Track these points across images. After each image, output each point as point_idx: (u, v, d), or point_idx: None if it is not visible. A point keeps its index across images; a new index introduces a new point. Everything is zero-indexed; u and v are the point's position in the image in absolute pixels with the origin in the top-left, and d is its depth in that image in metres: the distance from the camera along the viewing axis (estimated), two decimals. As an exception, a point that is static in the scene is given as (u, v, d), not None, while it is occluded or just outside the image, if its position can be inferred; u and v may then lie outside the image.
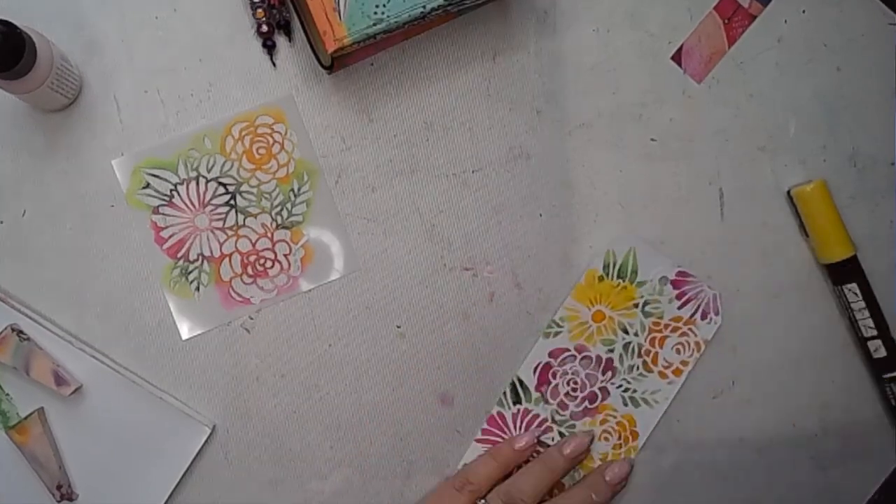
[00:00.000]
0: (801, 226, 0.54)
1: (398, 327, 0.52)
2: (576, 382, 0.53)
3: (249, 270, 0.51)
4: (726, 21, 0.53)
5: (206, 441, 0.51)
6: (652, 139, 0.53)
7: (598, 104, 0.53)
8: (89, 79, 0.50)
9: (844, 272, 0.53)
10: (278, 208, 0.51)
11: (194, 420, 0.50)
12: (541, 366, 0.53)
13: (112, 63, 0.51)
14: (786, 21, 0.54)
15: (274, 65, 0.51)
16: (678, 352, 0.53)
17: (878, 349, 0.53)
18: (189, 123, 0.51)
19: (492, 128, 0.53)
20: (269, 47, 0.51)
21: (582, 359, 0.52)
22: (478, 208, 0.53)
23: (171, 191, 0.51)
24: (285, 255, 0.52)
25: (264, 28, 0.50)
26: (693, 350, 0.53)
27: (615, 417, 0.53)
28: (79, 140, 0.51)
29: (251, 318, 0.51)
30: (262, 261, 0.51)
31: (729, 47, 0.54)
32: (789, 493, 0.54)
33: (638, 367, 0.53)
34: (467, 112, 0.52)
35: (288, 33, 0.51)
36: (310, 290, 0.52)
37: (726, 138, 0.54)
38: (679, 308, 0.53)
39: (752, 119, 0.54)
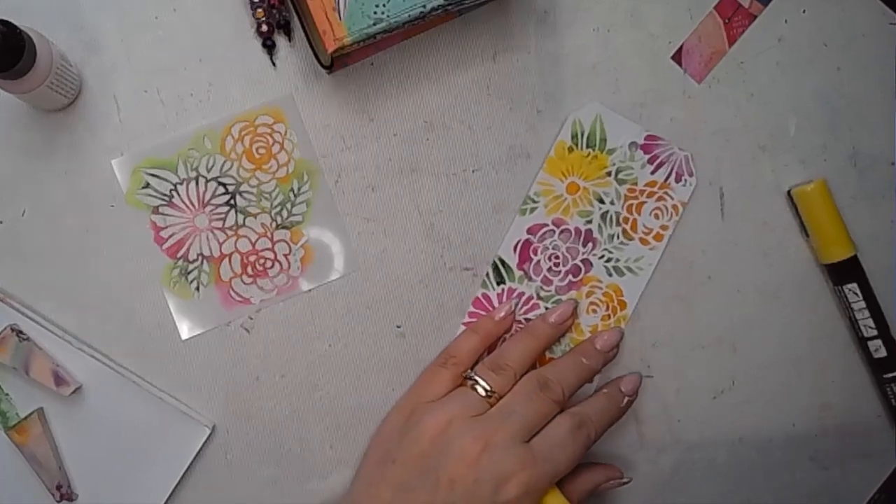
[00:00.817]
0: (802, 226, 0.54)
1: (398, 327, 0.52)
2: (557, 257, 0.52)
3: (249, 270, 0.51)
4: (726, 21, 0.53)
5: (206, 441, 0.51)
6: (652, 139, 0.53)
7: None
8: (89, 79, 0.50)
9: (844, 272, 0.53)
10: (278, 208, 0.51)
11: (194, 420, 0.50)
12: (521, 243, 0.52)
13: (112, 63, 0.51)
14: (786, 21, 0.54)
15: (274, 65, 0.51)
16: (657, 217, 0.53)
17: (879, 349, 0.53)
18: (189, 123, 0.51)
19: (492, 127, 0.53)
20: (269, 47, 0.51)
21: (561, 232, 0.52)
22: (478, 208, 0.53)
23: (170, 191, 0.51)
24: (285, 255, 0.51)
25: (264, 28, 0.50)
26: (671, 213, 0.53)
27: (601, 288, 0.53)
28: (78, 140, 0.50)
29: (251, 318, 0.51)
30: (261, 261, 0.51)
31: (729, 47, 0.54)
32: (789, 493, 0.54)
33: (618, 236, 0.53)
34: (467, 112, 0.52)
35: (288, 33, 0.51)
36: (310, 290, 0.52)
37: (726, 138, 0.53)
38: (652, 173, 0.53)
39: (752, 119, 0.54)
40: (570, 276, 0.53)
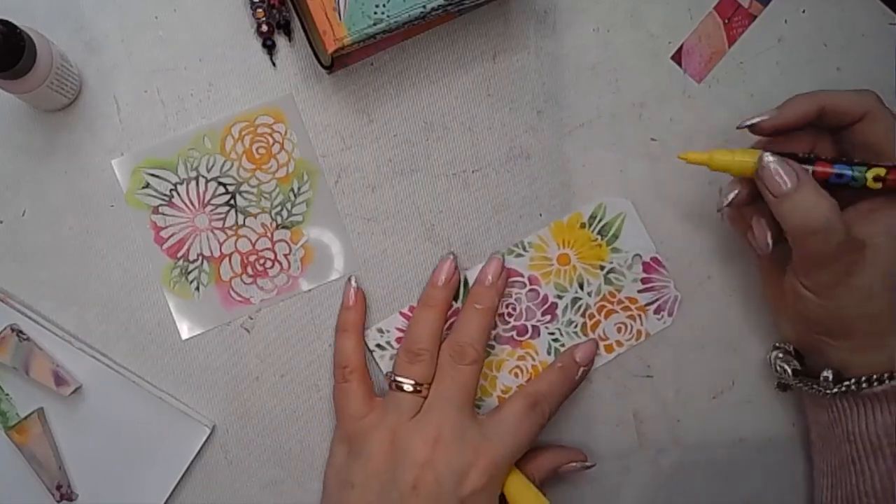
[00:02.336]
0: None
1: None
2: (514, 309, 0.52)
3: (249, 270, 0.51)
4: (726, 21, 0.53)
5: (205, 441, 0.51)
6: (652, 139, 0.53)
7: (598, 104, 0.53)
8: (89, 79, 0.50)
9: None
10: (278, 208, 0.51)
11: (194, 420, 0.50)
12: None
13: (112, 63, 0.51)
14: (786, 21, 0.54)
15: (274, 65, 0.51)
16: (619, 330, 0.53)
17: None
18: (189, 123, 0.51)
19: (492, 128, 0.53)
20: (269, 47, 0.51)
21: (530, 290, 0.52)
22: (478, 208, 0.53)
23: (170, 190, 0.51)
24: (285, 255, 0.52)
25: (264, 28, 0.50)
26: (633, 336, 0.53)
27: (533, 360, 0.52)
28: (79, 140, 0.50)
29: (251, 318, 0.51)
30: (261, 261, 0.51)
31: (729, 47, 0.54)
32: (789, 493, 0.54)
33: (576, 325, 0.52)
34: (467, 112, 0.52)
35: (288, 33, 0.51)
36: (310, 290, 0.52)
37: (726, 138, 0.53)
38: (639, 291, 0.53)
39: (752, 119, 0.54)
40: (514, 332, 0.52)
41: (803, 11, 0.54)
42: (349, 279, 0.51)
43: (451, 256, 0.51)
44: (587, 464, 0.51)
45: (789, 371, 0.49)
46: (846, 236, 0.42)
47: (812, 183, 0.42)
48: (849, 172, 0.43)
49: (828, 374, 0.46)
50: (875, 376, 0.44)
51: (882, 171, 0.42)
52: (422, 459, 0.45)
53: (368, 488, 0.46)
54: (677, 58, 0.53)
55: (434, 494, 0.44)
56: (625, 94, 0.53)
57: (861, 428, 0.45)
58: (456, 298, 0.51)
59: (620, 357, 0.53)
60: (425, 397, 0.47)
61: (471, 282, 0.51)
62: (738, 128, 0.47)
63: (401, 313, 0.52)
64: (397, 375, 0.48)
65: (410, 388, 0.47)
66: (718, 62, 0.54)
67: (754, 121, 0.46)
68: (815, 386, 0.47)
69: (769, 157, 0.43)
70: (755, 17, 0.54)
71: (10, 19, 0.42)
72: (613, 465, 0.54)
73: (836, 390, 0.45)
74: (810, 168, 0.44)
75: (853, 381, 0.45)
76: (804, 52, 0.54)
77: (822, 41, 0.54)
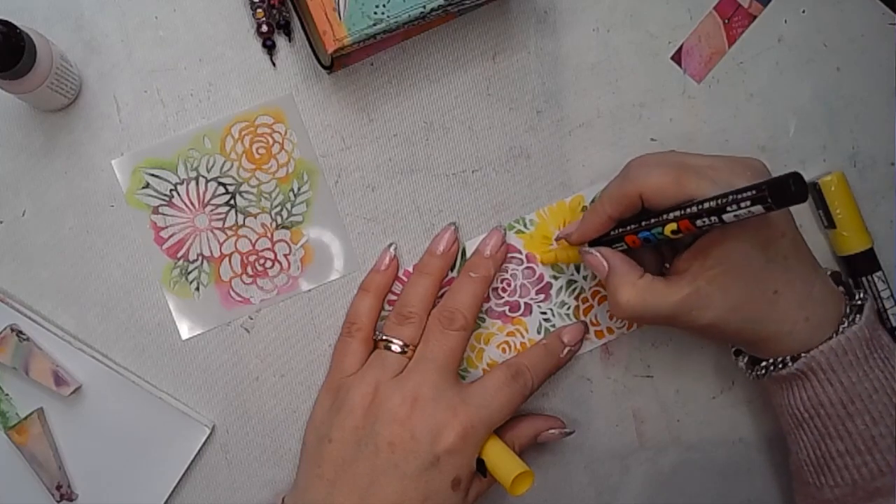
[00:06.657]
0: (822, 219, 0.53)
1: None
2: (509, 285, 0.52)
3: (249, 270, 0.51)
4: (726, 21, 0.53)
5: (205, 441, 0.51)
6: (652, 139, 0.53)
7: (598, 104, 0.53)
8: (89, 78, 0.50)
9: (870, 261, 0.52)
10: (278, 208, 0.51)
11: (194, 420, 0.50)
12: None
13: (112, 63, 0.51)
14: (786, 21, 0.54)
15: (274, 65, 0.51)
16: (611, 317, 0.53)
17: None
18: (189, 123, 0.51)
19: (492, 128, 0.53)
20: (269, 47, 0.51)
21: (526, 268, 0.52)
22: (478, 208, 0.53)
23: (170, 191, 0.51)
24: (285, 255, 0.52)
25: (264, 28, 0.50)
26: (624, 324, 0.53)
27: (522, 337, 0.52)
28: (78, 140, 0.50)
29: (251, 318, 0.51)
30: (261, 261, 0.51)
31: (729, 47, 0.54)
32: (789, 493, 0.54)
33: (569, 307, 0.52)
34: (467, 112, 0.52)
35: (288, 33, 0.51)
36: (310, 290, 0.52)
37: (726, 138, 0.54)
38: None
39: (752, 119, 0.54)
40: (506, 308, 0.52)
41: (803, 11, 0.54)
42: (389, 245, 0.51)
43: (453, 227, 0.51)
44: (566, 430, 0.51)
45: (742, 364, 0.50)
46: (663, 304, 0.44)
47: (616, 270, 0.46)
48: (650, 235, 0.45)
49: (742, 363, 0.49)
50: (780, 359, 0.46)
51: (674, 226, 0.43)
52: (400, 417, 0.46)
53: (345, 443, 0.46)
54: (677, 58, 0.53)
55: (410, 451, 0.45)
56: (625, 94, 0.53)
57: (785, 403, 0.47)
58: (452, 268, 0.52)
59: (620, 357, 0.53)
60: (411, 358, 0.48)
61: (469, 253, 0.52)
62: (556, 239, 0.52)
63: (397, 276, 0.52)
64: (386, 335, 0.49)
65: (398, 349, 0.48)
66: (718, 62, 0.54)
67: (561, 234, 0.51)
68: (748, 372, 0.49)
69: (584, 249, 0.48)
70: (755, 17, 0.54)
71: (10, 19, 0.42)
72: (613, 465, 0.54)
73: (755, 375, 0.48)
74: (623, 245, 0.46)
75: (762, 366, 0.47)
76: (804, 52, 0.54)
77: (821, 41, 0.54)
